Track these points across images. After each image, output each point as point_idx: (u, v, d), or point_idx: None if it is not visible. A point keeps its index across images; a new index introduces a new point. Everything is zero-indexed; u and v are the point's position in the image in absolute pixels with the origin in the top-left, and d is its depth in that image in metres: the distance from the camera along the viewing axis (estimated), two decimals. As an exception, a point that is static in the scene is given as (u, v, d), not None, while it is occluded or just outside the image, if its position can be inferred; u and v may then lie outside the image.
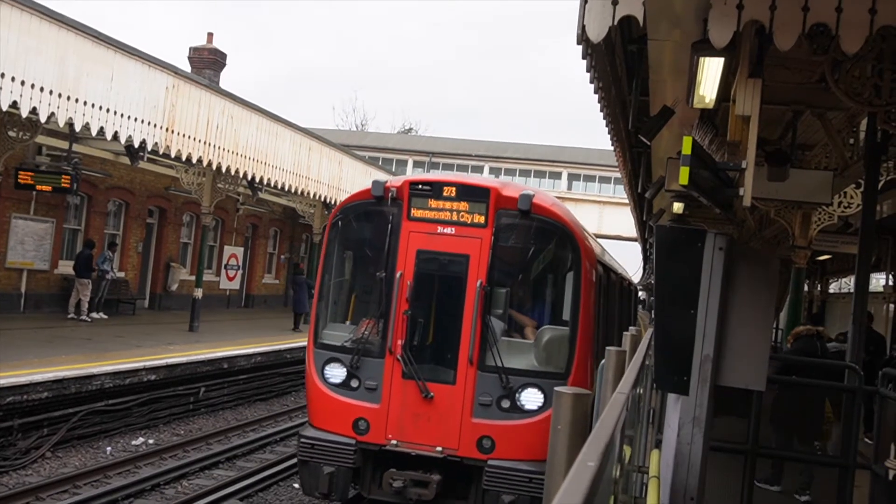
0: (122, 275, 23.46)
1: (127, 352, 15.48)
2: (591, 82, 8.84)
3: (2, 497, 10.07)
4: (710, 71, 5.69)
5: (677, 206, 13.87)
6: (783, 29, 4.88)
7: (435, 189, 9.13)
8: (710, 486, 5.45)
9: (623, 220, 40.82)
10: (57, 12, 13.18)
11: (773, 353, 9.85)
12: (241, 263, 30.61)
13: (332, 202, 24.74)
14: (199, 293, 21.07)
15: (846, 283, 24.73)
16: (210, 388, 16.85)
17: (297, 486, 11.99)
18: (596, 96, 9.72)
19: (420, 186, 9.19)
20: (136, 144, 16.59)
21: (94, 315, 20.46)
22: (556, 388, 2.66)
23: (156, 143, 16.27)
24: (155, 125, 15.98)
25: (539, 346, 9.25)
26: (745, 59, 5.44)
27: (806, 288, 23.82)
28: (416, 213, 9.15)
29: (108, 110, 14.46)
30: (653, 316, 5.37)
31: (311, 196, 24.46)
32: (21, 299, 20.05)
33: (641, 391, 5.87)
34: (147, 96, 15.66)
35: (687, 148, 4.79)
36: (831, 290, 26.80)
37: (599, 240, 18.84)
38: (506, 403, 8.84)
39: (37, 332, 16.97)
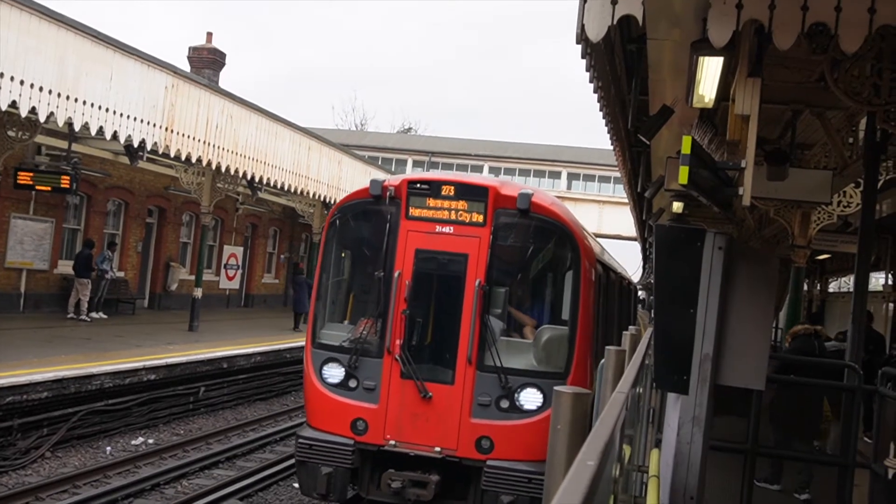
0: (121, 274, 23.46)
1: (126, 351, 15.48)
2: (591, 82, 8.84)
3: (2, 497, 10.06)
4: (710, 70, 5.69)
5: (677, 206, 13.88)
6: (782, 28, 4.88)
7: (433, 188, 9.10)
8: (709, 485, 5.45)
9: (622, 220, 40.84)
10: (56, 12, 13.17)
11: (773, 352, 9.85)
12: (240, 263, 30.62)
13: (332, 202, 24.73)
14: (198, 293, 21.07)
15: (846, 283, 24.74)
16: (210, 387, 16.85)
17: (296, 485, 11.99)
18: (595, 96, 9.72)
19: (418, 185, 9.16)
20: (136, 144, 16.58)
21: (94, 315, 20.46)
22: (556, 388, 2.66)
23: (155, 143, 16.27)
24: (154, 125, 15.97)
25: (538, 346, 9.22)
26: (744, 59, 5.45)
27: (805, 287, 23.82)
28: (414, 212, 9.11)
29: (107, 110, 14.46)
30: (652, 315, 5.37)
31: (311, 196, 24.46)
32: (20, 299, 20.05)
33: (641, 390, 5.87)
34: (146, 96, 15.65)
35: (686, 147, 4.79)
36: (831, 290, 26.81)
37: (599, 239, 18.84)
38: (505, 403, 8.80)
39: (36, 331, 16.97)
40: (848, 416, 7.76)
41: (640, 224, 25.23)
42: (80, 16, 13.79)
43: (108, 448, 13.12)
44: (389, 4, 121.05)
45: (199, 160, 17.87)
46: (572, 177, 47.31)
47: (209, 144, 18.05)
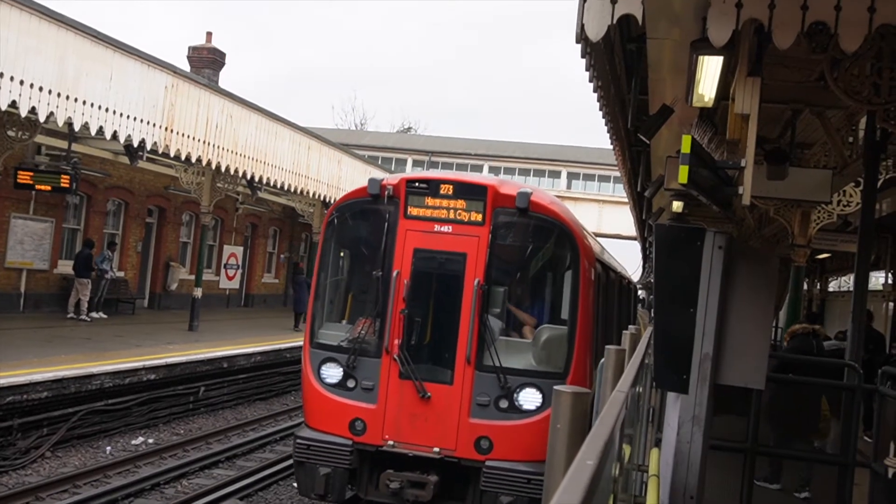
0: (121, 274, 23.46)
1: (126, 351, 15.48)
2: (590, 81, 8.83)
3: (2, 497, 10.06)
4: (710, 69, 5.69)
5: (677, 205, 13.88)
6: (782, 27, 4.88)
7: (432, 187, 9.06)
8: (709, 484, 5.45)
9: (622, 219, 40.84)
10: (56, 12, 13.17)
11: (772, 351, 9.85)
12: (240, 263, 30.61)
13: (332, 201, 24.69)
14: (198, 292, 21.07)
15: (845, 282, 24.74)
16: (210, 387, 16.85)
17: (296, 485, 11.99)
18: (595, 95, 9.71)
19: (417, 184, 9.12)
20: (136, 144, 16.58)
21: (94, 315, 20.45)
22: (556, 387, 2.66)
23: (155, 143, 16.27)
24: (154, 124, 15.97)
25: (537, 346, 9.19)
26: (744, 58, 5.45)
27: (805, 286, 23.83)
28: (412, 211, 9.08)
29: (107, 110, 14.45)
30: (652, 315, 5.37)
31: (311, 195, 24.46)
32: (20, 299, 20.05)
33: (641, 390, 5.87)
34: (146, 96, 15.65)
35: (686, 146, 4.79)
36: (831, 289, 26.81)
37: (599, 238, 18.85)
38: (504, 403, 8.77)
39: (36, 331, 16.97)
40: (848, 416, 7.75)
41: (640, 223, 25.23)
42: (79, 16, 13.81)
43: (108, 448, 13.12)
44: (389, 4, 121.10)
45: (198, 160, 17.87)
46: (572, 176, 47.31)
47: (209, 144, 18.05)
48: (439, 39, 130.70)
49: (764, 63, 5.67)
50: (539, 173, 47.45)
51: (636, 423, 5.46)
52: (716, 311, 4.85)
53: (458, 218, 8.99)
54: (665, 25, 6.03)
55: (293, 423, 16.17)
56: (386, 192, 9.15)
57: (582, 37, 6.02)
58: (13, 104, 12.37)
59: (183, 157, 17.44)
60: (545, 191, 11.08)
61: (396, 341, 8.92)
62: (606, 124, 12.07)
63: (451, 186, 9.04)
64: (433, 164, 47.29)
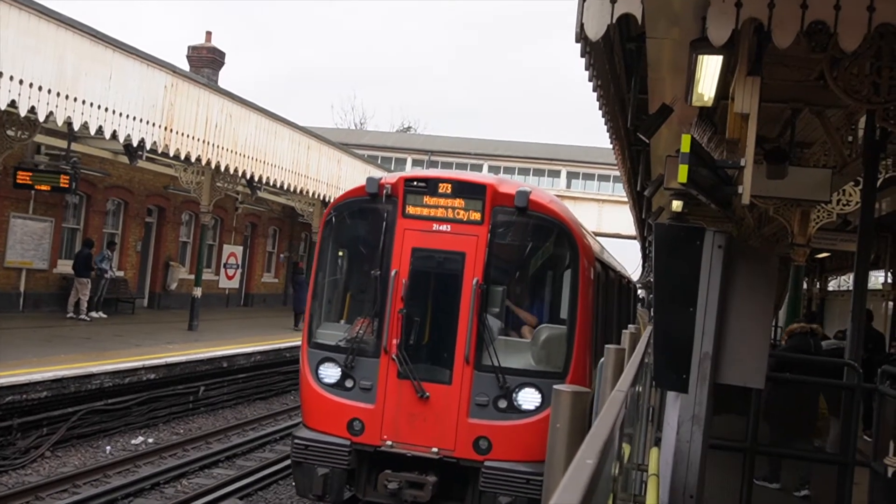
0: (121, 274, 23.46)
1: (126, 351, 15.47)
2: (590, 80, 8.82)
3: (1, 497, 10.06)
4: (709, 69, 5.69)
5: (676, 204, 13.88)
6: (782, 26, 4.88)
7: (430, 186, 9.02)
8: (709, 483, 5.45)
9: (622, 219, 40.83)
10: (55, 11, 13.16)
11: (771, 350, 9.85)
12: (240, 262, 30.61)
13: (331, 201, 24.69)
14: (198, 292, 21.07)
15: (845, 281, 24.76)
16: (209, 386, 16.85)
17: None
18: (594, 94, 9.71)
19: (415, 183, 9.07)
20: (135, 143, 16.58)
21: (93, 314, 20.45)
22: (555, 387, 2.65)
23: (154, 142, 16.26)
24: (153, 124, 15.97)
25: (536, 345, 9.15)
26: (743, 57, 5.44)
27: (805, 286, 23.83)
28: (411, 210, 9.03)
29: (106, 109, 14.45)
30: (652, 314, 5.37)
31: (310, 195, 24.46)
32: (20, 299, 20.05)
33: (640, 389, 5.88)
34: (146, 95, 15.65)
35: (686, 146, 4.78)
36: (830, 288, 26.83)
37: (598, 238, 18.85)
38: (503, 403, 8.72)
39: (36, 331, 16.97)
40: (847, 415, 7.75)
41: (640, 223, 25.23)
42: (79, 15, 13.81)
43: (108, 447, 13.12)
44: (389, 4, 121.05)
45: (198, 159, 17.86)
46: (572, 175, 47.30)
47: (208, 143, 18.05)
48: (439, 39, 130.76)
49: (763, 62, 5.67)
50: (539, 172, 47.44)
51: (636, 422, 5.46)
52: (715, 311, 4.85)
53: (457, 217, 8.94)
54: (664, 25, 6.03)
55: (293, 423, 16.17)
56: (384, 191, 9.10)
57: (581, 36, 6.02)
58: (12, 104, 12.36)
59: (182, 157, 17.44)
60: (544, 190, 11.06)
61: (395, 341, 8.88)
62: (606, 123, 12.06)
63: (450, 185, 8.99)
64: (433, 164, 47.24)
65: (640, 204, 19.83)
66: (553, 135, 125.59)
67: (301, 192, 23.68)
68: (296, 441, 9.07)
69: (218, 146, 18.46)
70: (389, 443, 8.79)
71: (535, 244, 9.46)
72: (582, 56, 7.68)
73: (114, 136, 14.94)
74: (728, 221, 15.35)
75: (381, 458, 8.83)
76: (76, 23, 13.73)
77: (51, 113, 13.10)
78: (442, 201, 8.99)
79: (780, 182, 8.42)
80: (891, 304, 18.78)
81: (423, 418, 8.79)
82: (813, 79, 7.39)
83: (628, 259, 41.35)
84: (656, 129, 8.79)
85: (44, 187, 18.41)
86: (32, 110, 12.73)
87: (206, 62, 28.64)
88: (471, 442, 8.68)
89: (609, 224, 43.99)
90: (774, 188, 8.58)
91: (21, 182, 18.28)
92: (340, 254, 10.15)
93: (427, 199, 9.02)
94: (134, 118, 15.31)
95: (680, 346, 4.85)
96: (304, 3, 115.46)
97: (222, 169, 19.07)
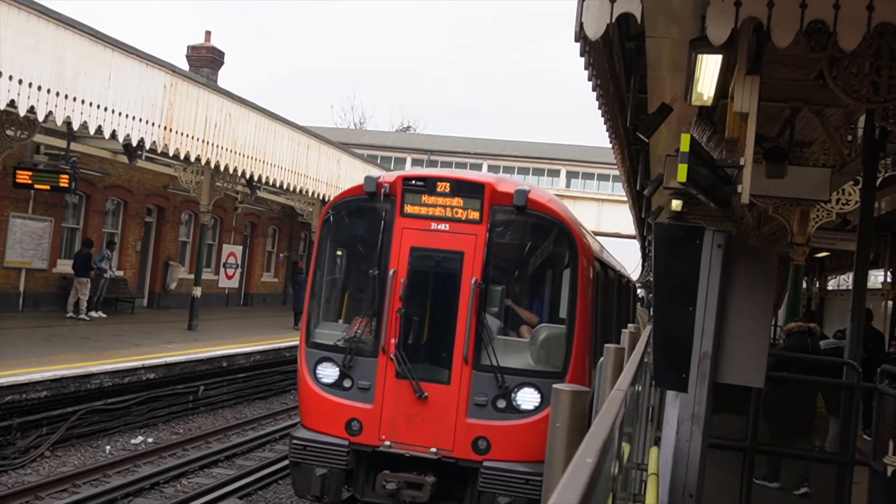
0: (120, 273, 23.45)
1: (126, 350, 15.47)
2: (589, 80, 8.82)
3: (1, 496, 10.06)
4: (709, 68, 5.69)
5: (676, 204, 13.89)
6: (781, 26, 4.88)
7: (429, 185, 8.97)
8: (708, 483, 5.45)
9: (622, 218, 40.83)
10: (55, 11, 13.15)
11: (770, 349, 9.85)
12: (239, 262, 30.61)
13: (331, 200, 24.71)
14: (197, 292, 21.06)
15: (844, 280, 24.78)
16: (209, 386, 16.85)
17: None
18: (594, 94, 9.71)
19: (413, 182, 9.02)
20: (135, 143, 16.57)
21: (93, 314, 20.45)
22: (555, 386, 2.65)
23: (154, 142, 16.26)
24: (153, 124, 15.96)
25: (535, 345, 9.11)
26: (743, 56, 5.44)
27: (804, 285, 23.84)
28: (409, 209, 8.99)
29: (105, 109, 14.44)
30: (651, 313, 5.38)
31: (310, 194, 24.46)
32: (20, 298, 20.04)
33: (640, 388, 5.88)
34: (145, 95, 15.64)
35: (685, 145, 4.78)
36: (830, 287, 26.84)
37: (598, 237, 18.85)
38: (501, 403, 8.69)
39: (35, 331, 16.96)
40: (847, 414, 7.76)
41: (639, 222, 25.23)
42: (78, 15, 13.79)
43: (108, 447, 13.12)
44: (389, 4, 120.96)
45: (197, 159, 17.86)
46: (571, 175, 47.29)
47: (208, 143, 18.05)
48: (439, 39, 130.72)
49: (763, 61, 5.67)
50: (538, 172, 47.42)
51: (635, 421, 5.46)
52: (715, 310, 4.86)
53: (456, 216, 8.90)
54: (664, 24, 6.03)
55: (292, 422, 16.15)
56: (382, 190, 9.06)
57: (581, 35, 6.02)
58: (12, 103, 12.36)
59: (182, 157, 17.43)
60: (544, 189, 11.05)
61: (393, 340, 8.84)
62: (605, 123, 12.06)
63: (448, 184, 8.95)
64: (432, 163, 47.22)
65: (640, 203, 19.83)
66: (553, 134, 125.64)
67: (300, 191, 23.68)
68: (294, 441, 9.04)
69: (217, 146, 18.46)
70: (388, 443, 8.75)
71: (534, 243, 9.44)
72: (581, 55, 7.68)
73: (113, 135, 14.93)
74: (727, 221, 15.36)
75: (380, 458, 8.79)
76: (75, 22, 13.72)
77: (50, 112, 13.09)
78: (440, 200, 8.95)
79: (779, 181, 8.42)
80: (890, 303, 18.78)
81: (421, 418, 8.75)
82: (812, 78, 7.39)
83: (628, 258, 41.34)
84: (656, 128, 8.79)
85: (43, 187, 18.40)
86: (32, 110, 12.73)
87: (205, 62, 28.63)
88: (469, 442, 8.65)
89: (608, 223, 43.99)
90: (774, 187, 8.57)
91: (20, 182, 18.27)
92: (339, 253, 10.12)
93: (425, 198, 8.97)
94: (133, 118, 15.31)
95: (679, 345, 4.85)
96: (304, 3, 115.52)
97: (222, 168, 19.07)
